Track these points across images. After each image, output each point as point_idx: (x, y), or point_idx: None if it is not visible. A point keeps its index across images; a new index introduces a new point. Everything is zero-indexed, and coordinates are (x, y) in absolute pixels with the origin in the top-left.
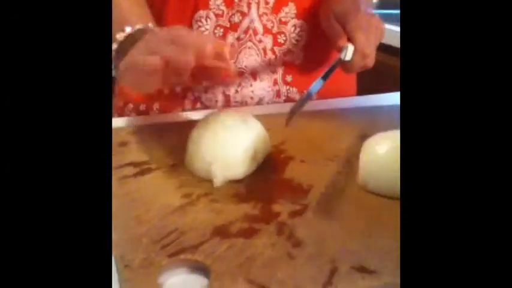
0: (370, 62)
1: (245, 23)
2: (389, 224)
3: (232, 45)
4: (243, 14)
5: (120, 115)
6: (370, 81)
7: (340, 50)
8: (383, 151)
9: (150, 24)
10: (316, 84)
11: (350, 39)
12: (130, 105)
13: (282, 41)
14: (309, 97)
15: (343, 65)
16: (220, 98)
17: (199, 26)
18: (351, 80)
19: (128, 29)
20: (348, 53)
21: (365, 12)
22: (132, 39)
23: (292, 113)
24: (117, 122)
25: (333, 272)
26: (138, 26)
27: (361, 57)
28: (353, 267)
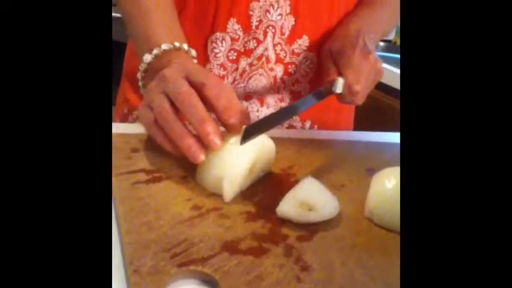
0: (360, 99)
1: (259, 50)
2: (397, 259)
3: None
4: (259, 42)
5: (123, 122)
6: (375, 120)
7: (332, 82)
8: (392, 185)
9: (177, 43)
10: (307, 102)
11: (341, 75)
12: (136, 113)
13: (292, 71)
14: (294, 112)
15: (336, 95)
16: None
17: (214, 48)
18: (350, 115)
19: (155, 51)
20: (339, 85)
21: (362, 50)
22: (159, 60)
23: (272, 121)
24: (128, 129)
25: None
26: (164, 47)
27: (349, 92)
28: None
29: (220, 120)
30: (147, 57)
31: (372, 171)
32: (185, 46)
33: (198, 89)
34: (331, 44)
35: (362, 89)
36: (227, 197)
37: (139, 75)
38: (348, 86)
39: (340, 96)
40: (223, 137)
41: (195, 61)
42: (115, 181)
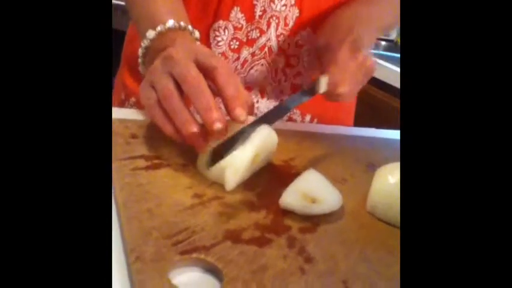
0: (347, 98)
1: (262, 41)
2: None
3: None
4: (262, 32)
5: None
6: (376, 119)
7: (315, 81)
8: (395, 181)
9: (183, 23)
10: (295, 101)
11: (324, 73)
12: (133, 99)
13: (294, 64)
14: (285, 111)
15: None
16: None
17: (216, 36)
18: (350, 112)
19: (159, 28)
20: (322, 85)
21: (350, 46)
22: (162, 37)
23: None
24: (127, 114)
25: None
26: (168, 25)
27: (333, 90)
28: None
29: (226, 108)
30: (151, 33)
31: (372, 166)
32: (190, 27)
33: (207, 72)
34: (318, 39)
35: (347, 90)
36: (229, 187)
37: (140, 52)
38: (331, 86)
39: (325, 95)
40: (228, 126)
41: (198, 43)
42: (114, 167)
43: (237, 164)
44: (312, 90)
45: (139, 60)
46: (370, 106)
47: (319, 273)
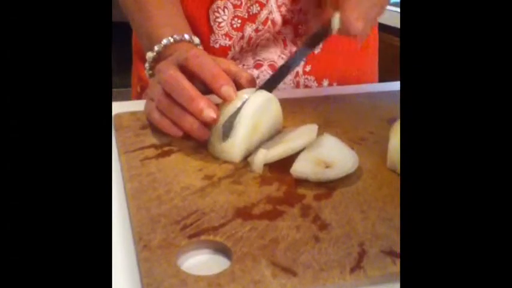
0: (361, 31)
1: (263, 14)
2: None
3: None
4: (261, 5)
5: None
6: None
7: (329, 21)
8: None
9: (177, 36)
10: (302, 53)
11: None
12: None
13: (303, 32)
14: (294, 63)
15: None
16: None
17: (217, 17)
18: (373, 67)
19: (165, 41)
20: (336, 21)
21: None
22: (163, 55)
23: (273, 82)
24: (138, 105)
25: (362, 255)
26: (165, 42)
27: (348, 28)
28: (383, 251)
29: (212, 92)
30: (150, 56)
31: (394, 121)
32: (186, 36)
33: (184, 69)
34: None
35: (362, 24)
36: (235, 159)
37: (146, 74)
38: (345, 21)
39: (339, 33)
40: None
41: (200, 47)
42: (123, 159)
43: (238, 136)
44: (325, 30)
45: (147, 74)
46: (394, 58)
47: (334, 239)
